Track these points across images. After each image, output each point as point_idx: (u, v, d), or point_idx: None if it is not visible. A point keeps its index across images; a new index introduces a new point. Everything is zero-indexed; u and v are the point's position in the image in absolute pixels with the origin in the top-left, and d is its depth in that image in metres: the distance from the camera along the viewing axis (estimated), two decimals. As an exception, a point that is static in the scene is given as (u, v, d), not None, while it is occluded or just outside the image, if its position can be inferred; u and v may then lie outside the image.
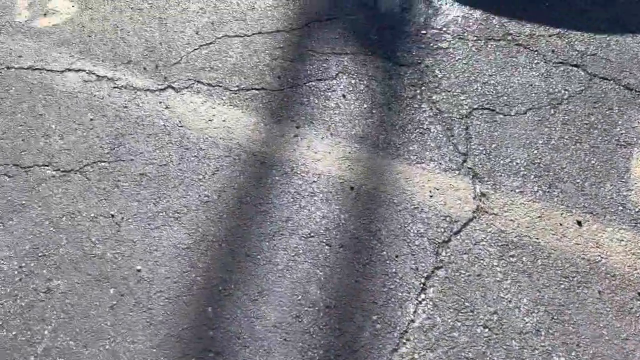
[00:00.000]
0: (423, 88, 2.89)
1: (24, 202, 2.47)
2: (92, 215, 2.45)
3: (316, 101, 2.85)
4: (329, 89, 2.90)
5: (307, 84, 2.92)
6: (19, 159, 2.61)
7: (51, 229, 2.41)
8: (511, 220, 2.40)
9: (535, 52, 3.00)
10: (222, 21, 3.19)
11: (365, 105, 2.83)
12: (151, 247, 2.37)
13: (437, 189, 2.51)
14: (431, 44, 3.09)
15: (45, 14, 3.20)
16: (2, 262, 2.33)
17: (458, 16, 3.22)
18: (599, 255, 2.30)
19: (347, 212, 2.46)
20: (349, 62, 3.02)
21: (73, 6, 3.24)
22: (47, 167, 2.58)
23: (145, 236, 2.39)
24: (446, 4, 3.29)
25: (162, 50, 3.05)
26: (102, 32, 3.12)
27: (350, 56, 3.05)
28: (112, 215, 2.44)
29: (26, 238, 2.39)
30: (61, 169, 2.58)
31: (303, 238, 2.38)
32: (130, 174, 2.57)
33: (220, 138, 2.70)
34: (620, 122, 2.71)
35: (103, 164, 2.60)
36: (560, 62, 2.95)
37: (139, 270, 2.31)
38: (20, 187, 2.52)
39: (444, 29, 3.16)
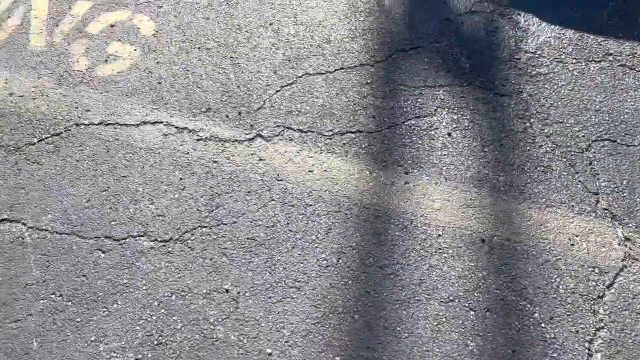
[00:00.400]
0: (532, 120, 2.66)
1: (125, 281, 2.21)
2: (205, 291, 2.19)
3: (420, 142, 2.60)
4: (430, 127, 2.66)
5: (405, 123, 2.67)
6: (110, 230, 2.34)
7: (162, 310, 2.15)
8: (666, 267, 2.18)
9: (643, 73, 2.79)
10: (299, 57, 2.93)
11: (474, 143, 2.59)
12: (277, 324, 2.11)
13: (577, 236, 2.28)
14: (528, 70, 2.86)
15: (106, 61, 2.92)
16: (115, 355, 2.06)
17: (550, 37, 2.99)
18: None
19: (484, 269, 2.22)
20: (446, 95, 2.78)
21: (135, 50, 2.96)
22: (142, 238, 2.32)
23: (268, 312, 2.14)
24: (534, 24, 3.06)
25: (241, 94, 2.79)
26: (173, 77, 2.85)
27: (446, 88, 2.81)
28: (227, 290, 2.19)
29: (137, 324, 2.12)
30: (159, 239, 2.31)
31: (443, 303, 2.14)
32: (237, 240, 2.31)
33: (325, 191, 2.45)
34: None
35: (204, 229, 2.34)
36: (673, 83, 2.74)
37: (270, 354, 2.06)
38: (118, 264, 2.25)
39: (538, 52, 2.93)
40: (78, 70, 2.89)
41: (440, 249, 2.28)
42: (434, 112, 2.71)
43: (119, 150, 2.59)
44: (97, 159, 2.56)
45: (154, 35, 3.04)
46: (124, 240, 2.32)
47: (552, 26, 3.05)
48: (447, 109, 2.72)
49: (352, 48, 2.98)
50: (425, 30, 3.05)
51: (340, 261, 2.26)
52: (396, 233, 2.33)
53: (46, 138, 2.62)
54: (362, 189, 2.46)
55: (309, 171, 2.52)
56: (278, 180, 2.49)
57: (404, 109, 2.73)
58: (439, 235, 2.32)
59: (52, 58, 2.93)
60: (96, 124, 2.68)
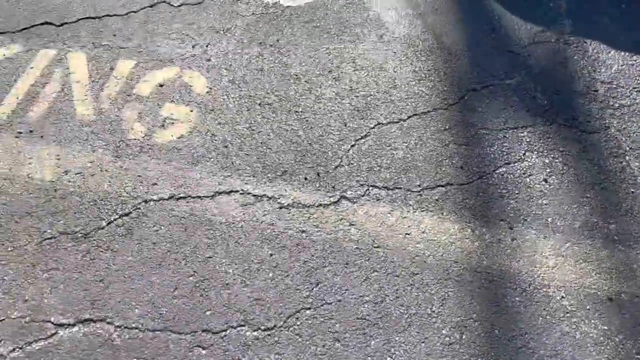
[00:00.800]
0: (628, 158, 2.48)
1: (237, 381, 1.96)
2: (325, 385, 1.95)
3: (516, 191, 2.40)
4: (523, 173, 2.46)
5: (496, 172, 2.47)
6: (206, 321, 2.09)
7: (283, 413, 1.91)
8: None
9: None
10: (368, 106, 2.72)
11: (574, 189, 2.40)
12: (413, 417, 1.88)
13: None
14: (610, 102, 2.68)
15: (163, 125, 2.66)
16: None
17: (623, 65, 2.83)
18: None
19: (619, 331, 2.03)
20: (531, 137, 2.59)
21: (191, 111, 2.71)
22: (244, 328, 2.07)
23: (400, 403, 1.91)
24: (603, 52, 2.89)
25: (314, 152, 2.56)
26: (239, 139, 2.61)
27: (529, 129, 2.62)
28: (349, 382, 1.95)
29: None
30: (262, 327, 2.07)
31: (586, 375, 1.94)
32: (346, 321, 2.09)
33: (429, 255, 2.23)
34: None
35: (308, 311, 2.11)
36: None
37: None
38: (223, 361, 2.00)
39: (615, 82, 2.76)
40: (135, 139, 2.62)
41: (567, 312, 2.08)
42: (523, 157, 2.51)
43: (197, 227, 2.33)
44: (176, 239, 2.30)
45: (208, 92, 2.79)
46: (224, 333, 2.07)
47: (622, 53, 2.88)
48: (536, 153, 2.53)
49: (420, 92, 2.77)
50: (493, 66, 2.86)
51: (464, 337, 2.04)
52: (516, 298, 2.12)
53: (115, 220, 2.35)
54: (468, 251, 2.24)
55: (406, 234, 2.30)
56: (375, 248, 2.27)
57: (491, 156, 2.53)
58: (562, 297, 2.11)
59: (104, 127, 2.66)
60: (167, 199, 2.42)
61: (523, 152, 2.54)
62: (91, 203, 2.41)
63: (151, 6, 3.19)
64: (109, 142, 2.61)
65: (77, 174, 2.50)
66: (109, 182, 2.48)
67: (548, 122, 2.64)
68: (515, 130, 2.61)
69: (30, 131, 2.65)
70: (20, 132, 2.64)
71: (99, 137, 2.63)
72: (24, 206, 2.40)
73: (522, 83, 2.80)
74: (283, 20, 3.11)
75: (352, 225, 2.34)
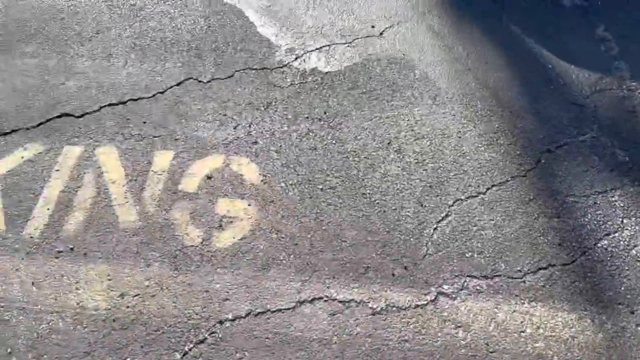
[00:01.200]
0: None
1: None
2: None
3: (626, 267, 2.13)
4: (627, 244, 2.19)
5: (598, 246, 2.20)
6: None
7: None
8: None
9: None
10: (440, 180, 2.41)
11: (687, 259, 2.13)
12: None
13: None
14: (695, 153, 2.43)
15: (220, 226, 2.31)
16: None
17: (697, 109, 2.59)
18: None
19: None
20: (623, 201, 2.33)
21: (249, 205, 2.37)
22: None
23: None
24: (671, 95, 2.65)
25: (396, 241, 2.24)
26: (308, 234, 2.28)
27: (618, 192, 2.35)
28: None
29: None
30: None
31: None
32: None
33: (552, 355, 1.94)
34: None
35: None
36: None
37: None
38: None
39: (693, 128, 2.52)
40: (192, 246, 2.26)
41: None
42: (621, 226, 2.24)
43: (285, 348, 1.98)
44: (265, 367, 1.94)
45: (263, 181, 2.45)
46: None
47: (692, 95, 2.64)
48: (634, 219, 2.27)
49: (492, 158, 2.49)
50: (560, 121, 2.59)
51: None
52: (662, 399, 1.82)
53: (190, 349, 1.99)
54: (593, 345, 1.95)
55: (521, 332, 2.00)
56: (491, 353, 1.96)
57: (588, 227, 2.25)
58: None
59: (155, 235, 2.29)
60: (244, 317, 2.07)
61: (620, 219, 2.26)
62: (158, 332, 2.03)
63: (178, 84, 2.84)
64: (164, 252, 2.24)
65: (135, 296, 2.12)
66: (174, 303, 2.10)
67: (637, 181, 2.38)
68: (605, 195, 2.34)
69: (71, 249, 2.26)
70: (59, 251, 2.25)
71: (151, 248, 2.25)
72: (81, 345, 2.01)
73: (596, 138, 2.53)
74: (326, 89, 2.79)
75: (459, 327, 2.02)
